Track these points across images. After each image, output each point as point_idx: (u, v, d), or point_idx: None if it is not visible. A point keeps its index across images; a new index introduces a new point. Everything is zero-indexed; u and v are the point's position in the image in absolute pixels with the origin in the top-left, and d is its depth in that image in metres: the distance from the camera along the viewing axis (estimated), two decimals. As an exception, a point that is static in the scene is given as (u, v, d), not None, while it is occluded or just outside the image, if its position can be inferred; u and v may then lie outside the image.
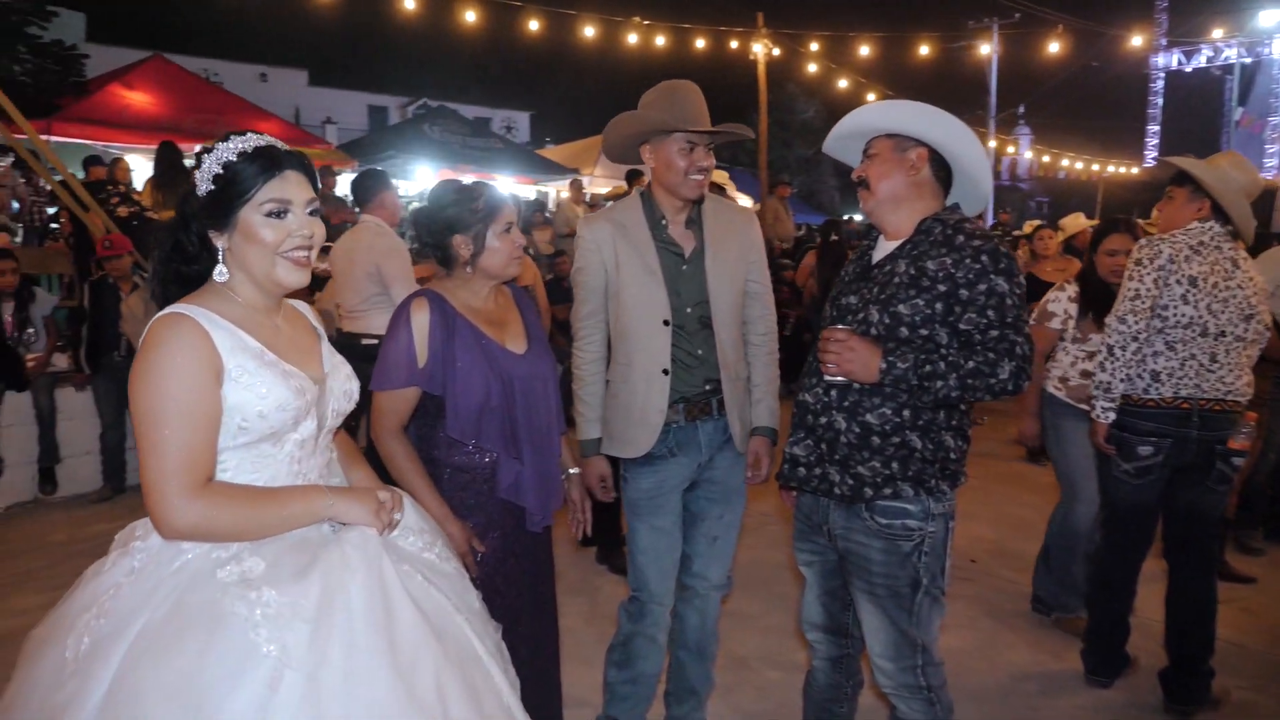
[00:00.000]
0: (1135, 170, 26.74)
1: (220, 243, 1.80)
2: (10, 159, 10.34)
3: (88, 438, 6.58)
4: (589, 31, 14.83)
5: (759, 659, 3.94)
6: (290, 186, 1.80)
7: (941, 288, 2.25)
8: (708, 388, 2.90)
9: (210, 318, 1.73)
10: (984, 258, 2.23)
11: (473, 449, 2.49)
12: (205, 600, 1.59)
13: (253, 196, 1.77)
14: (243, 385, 1.72)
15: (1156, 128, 35.44)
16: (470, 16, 13.24)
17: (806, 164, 32.48)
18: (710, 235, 2.92)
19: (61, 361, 6.71)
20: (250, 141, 1.79)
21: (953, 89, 28.24)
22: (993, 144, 26.56)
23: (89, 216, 7.44)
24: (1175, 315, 3.30)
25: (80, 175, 9.63)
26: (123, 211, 8.11)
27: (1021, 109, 33.36)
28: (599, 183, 15.83)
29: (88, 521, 5.91)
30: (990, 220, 20.76)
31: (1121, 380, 3.38)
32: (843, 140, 2.57)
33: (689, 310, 2.87)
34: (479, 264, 2.52)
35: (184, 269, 1.83)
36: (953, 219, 2.34)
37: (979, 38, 25.27)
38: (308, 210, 1.83)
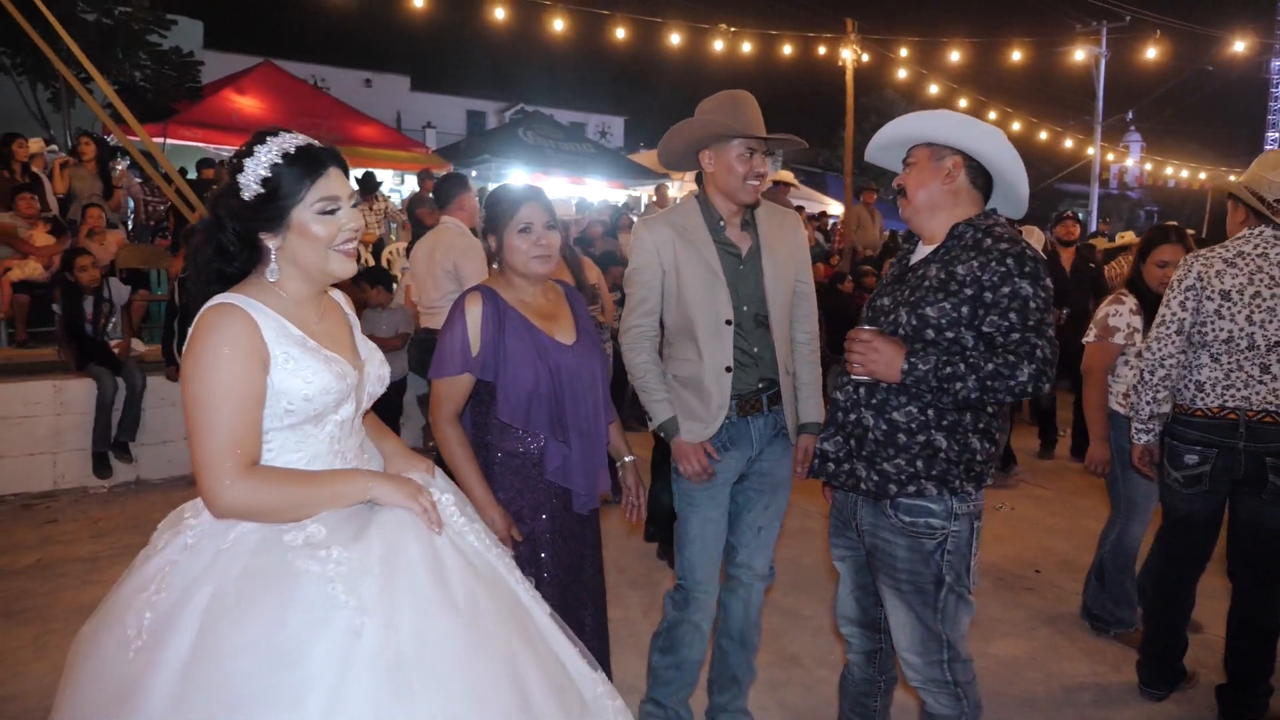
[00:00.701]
0: (1245, 179, 25.50)
1: (272, 243, 1.86)
2: (127, 162, 10.99)
3: (183, 424, 6.86)
4: (677, 39, 14.99)
5: (810, 657, 3.99)
6: (335, 183, 1.87)
7: (968, 291, 2.30)
8: (760, 385, 3.00)
9: (258, 307, 1.81)
10: (1009, 261, 2.27)
11: (523, 434, 2.63)
12: (276, 561, 1.67)
13: (304, 197, 1.83)
14: (289, 371, 1.80)
15: (1276, 135, 33.93)
16: (559, 25, 13.50)
17: (903, 170, 31.81)
18: (764, 236, 3.03)
19: (140, 345, 7.12)
20: (289, 142, 1.85)
21: (1057, 94, 27.49)
22: (1092, 150, 25.69)
23: (194, 216, 7.88)
24: (1214, 331, 3.25)
25: (192, 176, 10.17)
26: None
27: (1130, 115, 32.26)
28: (688, 187, 15.94)
29: (182, 502, 6.20)
30: (1093, 228, 20.15)
31: (1149, 403, 3.38)
32: (884, 150, 2.63)
33: (745, 309, 2.98)
34: (502, 261, 2.68)
35: (226, 269, 1.88)
36: (984, 223, 2.38)
37: (1085, 42, 24.50)
38: (351, 204, 1.90)
